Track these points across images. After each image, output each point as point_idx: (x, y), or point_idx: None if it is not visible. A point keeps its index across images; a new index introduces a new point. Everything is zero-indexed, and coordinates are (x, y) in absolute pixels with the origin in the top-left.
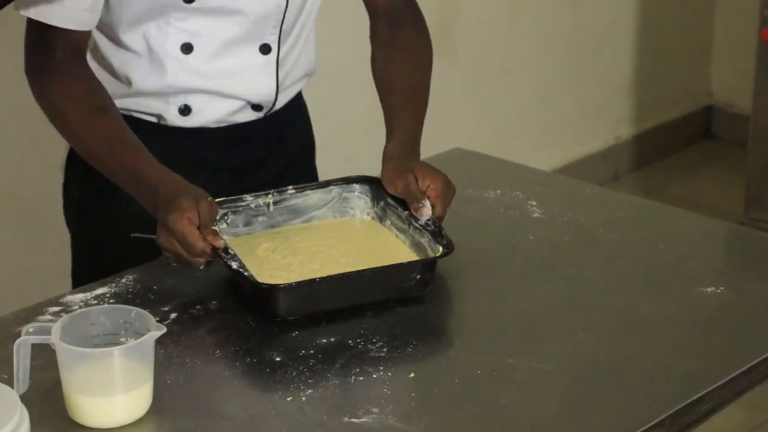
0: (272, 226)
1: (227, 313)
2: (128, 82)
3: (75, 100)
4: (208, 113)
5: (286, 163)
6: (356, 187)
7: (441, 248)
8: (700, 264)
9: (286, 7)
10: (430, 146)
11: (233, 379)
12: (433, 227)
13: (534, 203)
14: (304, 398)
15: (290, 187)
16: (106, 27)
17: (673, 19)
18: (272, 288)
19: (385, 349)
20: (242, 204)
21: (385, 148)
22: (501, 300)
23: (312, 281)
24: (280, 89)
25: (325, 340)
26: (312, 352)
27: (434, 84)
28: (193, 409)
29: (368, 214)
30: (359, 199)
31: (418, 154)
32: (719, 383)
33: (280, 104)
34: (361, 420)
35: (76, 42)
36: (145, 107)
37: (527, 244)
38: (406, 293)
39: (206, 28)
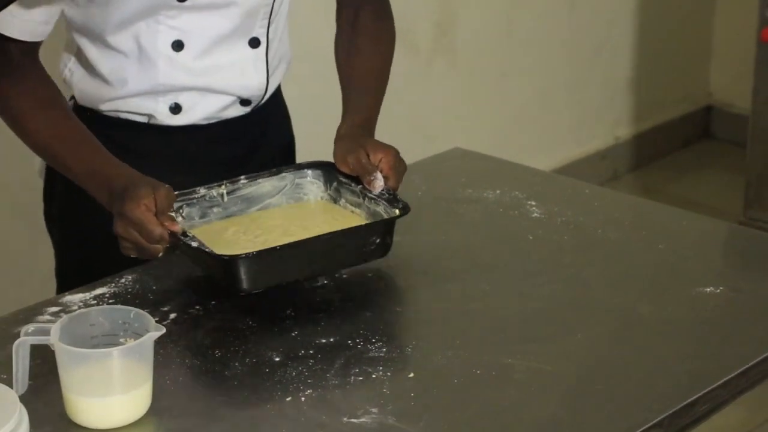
0: (227, 216)
1: (226, 313)
2: (118, 84)
3: (25, 95)
4: (198, 110)
5: (270, 157)
6: (308, 172)
7: (398, 211)
8: (699, 264)
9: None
10: (430, 146)
11: (232, 380)
12: (387, 195)
13: (533, 203)
14: (303, 398)
15: (242, 176)
16: (92, 32)
17: (672, 19)
18: (233, 259)
19: (384, 349)
20: (196, 196)
21: (339, 128)
22: (500, 300)
23: (273, 249)
24: (270, 82)
25: (324, 340)
26: (311, 352)
27: (435, 84)
28: (192, 410)
29: (322, 198)
30: (312, 184)
31: (372, 135)
32: (719, 383)
33: (266, 97)
34: (361, 420)
35: (30, 48)
36: (135, 107)
37: (526, 244)
38: (368, 258)
39: (197, 25)
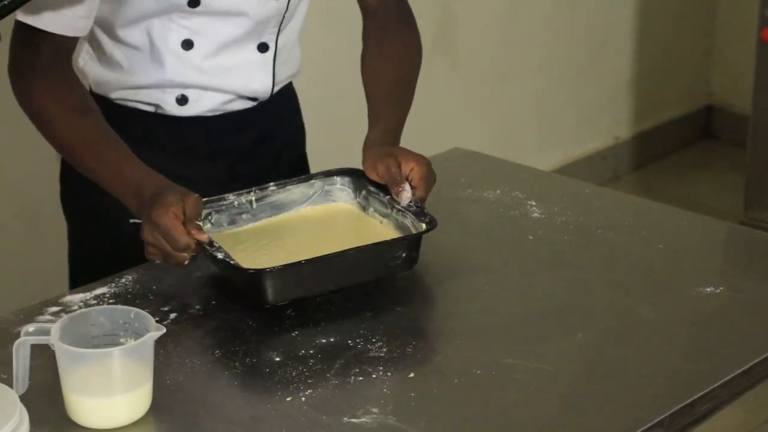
0: (256, 223)
1: (227, 313)
2: (127, 74)
3: (57, 100)
4: (205, 102)
5: (278, 151)
6: (337, 179)
7: (424, 225)
8: (699, 264)
9: (287, 9)
10: (430, 146)
11: (233, 380)
12: (415, 208)
13: (534, 203)
14: (303, 398)
15: (272, 183)
16: (104, 23)
17: (673, 19)
18: (259, 272)
19: (384, 349)
20: (225, 203)
21: (367, 137)
22: (500, 300)
23: (298, 263)
24: (275, 85)
25: (324, 340)
26: (311, 352)
27: (435, 84)
28: (193, 410)
29: (351, 205)
30: (341, 191)
31: (399, 144)
32: (719, 383)
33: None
34: (361, 420)
35: (64, 46)
36: (143, 97)
37: (527, 244)
38: (393, 272)
39: (208, 28)
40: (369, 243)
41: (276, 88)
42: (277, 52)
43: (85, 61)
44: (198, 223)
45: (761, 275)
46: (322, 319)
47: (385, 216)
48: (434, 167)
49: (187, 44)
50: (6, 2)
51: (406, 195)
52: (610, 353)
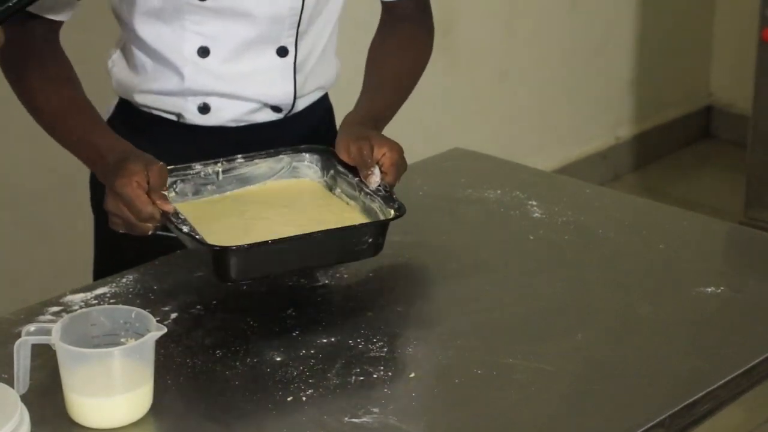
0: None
1: (227, 313)
2: (149, 78)
3: (38, 69)
4: (227, 112)
5: None
6: (306, 156)
7: (393, 211)
8: (699, 264)
9: (302, 8)
10: (430, 146)
11: (233, 379)
12: (384, 192)
13: (534, 203)
14: (304, 398)
15: (239, 155)
16: (122, 20)
17: (672, 19)
18: (224, 250)
19: (385, 349)
20: (191, 172)
21: (346, 116)
22: (501, 300)
23: (265, 243)
24: (297, 94)
25: (325, 340)
26: (312, 351)
27: (435, 84)
28: (194, 410)
29: (318, 183)
30: (309, 168)
31: (380, 130)
32: (719, 383)
33: (299, 107)
34: (362, 420)
35: (51, 27)
36: (165, 104)
37: (527, 244)
38: (358, 257)
39: (222, 31)
40: (336, 225)
41: (303, 99)
42: (300, 59)
43: (113, 63)
44: (163, 192)
45: (761, 275)
46: (323, 318)
47: (352, 198)
48: (434, 167)
49: (204, 51)
50: (11, 2)
51: (375, 179)
52: (611, 353)
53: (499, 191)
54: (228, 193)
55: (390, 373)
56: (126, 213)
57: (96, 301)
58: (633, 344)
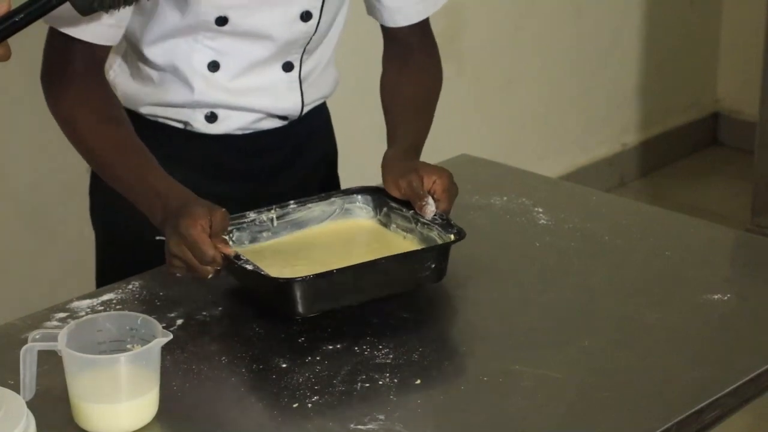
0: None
1: (233, 319)
2: (156, 90)
3: (88, 109)
4: (234, 121)
5: (308, 171)
6: (357, 197)
7: (452, 236)
8: (706, 271)
9: (315, 32)
10: (436, 153)
11: (239, 386)
12: (440, 220)
13: (540, 210)
14: (309, 405)
15: (292, 201)
16: (132, 40)
17: (679, 26)
18: (290, 282)
19: (391, 356)
20: (246, 220)
21: (385, 154)
22: (507, 307)
23: (329, 273)
24: (305, 104)
25: (331, 347)
26: (318, 358)
27: (442, 91)
28: (199, 416)
29: (372, 222)
30: (361, 210)
31: (419, 159)
32: (726, 391)
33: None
34: (367, 427)
35: (96, 55)
36: (172, 114)
37: (533, 251)
38: (422, 283)
39: (234, 49)
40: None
41: (307, 108)
42: (305, 72)
43: (116, 73)
44: (224, 237)
45: None
46: (329, 325)
47: (408, 231)
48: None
49: (214, 66)
50: (19, 18)
51: (430, 209)
52: (618, 360)
53: (505, 198)
54: (284, 237)
55: (396, 380)
56: (189, 255)
57: (102, 308)
58: (640, 351)
